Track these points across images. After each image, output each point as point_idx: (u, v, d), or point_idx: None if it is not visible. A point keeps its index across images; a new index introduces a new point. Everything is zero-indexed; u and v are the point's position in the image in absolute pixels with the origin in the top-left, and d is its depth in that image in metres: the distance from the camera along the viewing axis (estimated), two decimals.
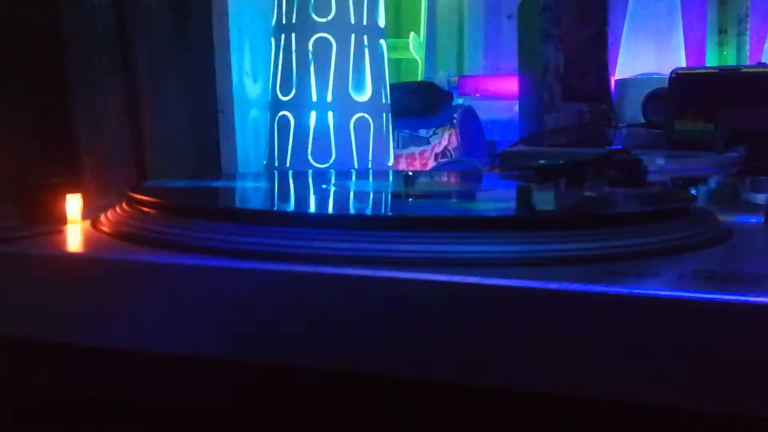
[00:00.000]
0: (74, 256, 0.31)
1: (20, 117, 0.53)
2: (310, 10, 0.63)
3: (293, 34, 0.64)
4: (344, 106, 0.64)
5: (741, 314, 0.23)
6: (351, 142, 0.64)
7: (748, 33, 0.98)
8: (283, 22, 0.65)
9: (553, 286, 0.24)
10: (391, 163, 0.71)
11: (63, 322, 0.30)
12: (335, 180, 0.52)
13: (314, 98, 0.64)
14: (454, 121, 0.89)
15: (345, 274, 0.26)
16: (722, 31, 1.00)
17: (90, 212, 0.37)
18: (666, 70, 0.72)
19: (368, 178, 0.53)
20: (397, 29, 1.16)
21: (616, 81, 0.90)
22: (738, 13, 0.98)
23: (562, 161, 0.36)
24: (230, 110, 0.71)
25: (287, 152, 0.65)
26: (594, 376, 0.24)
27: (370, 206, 0.40)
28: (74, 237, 0.34)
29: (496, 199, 0.43)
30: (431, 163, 0.89)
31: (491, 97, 1.13)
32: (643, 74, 0.91)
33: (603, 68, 0.83)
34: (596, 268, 0.26)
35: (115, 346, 0.30)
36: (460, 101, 1.03)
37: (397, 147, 0.89)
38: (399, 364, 0.26)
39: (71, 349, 0.31)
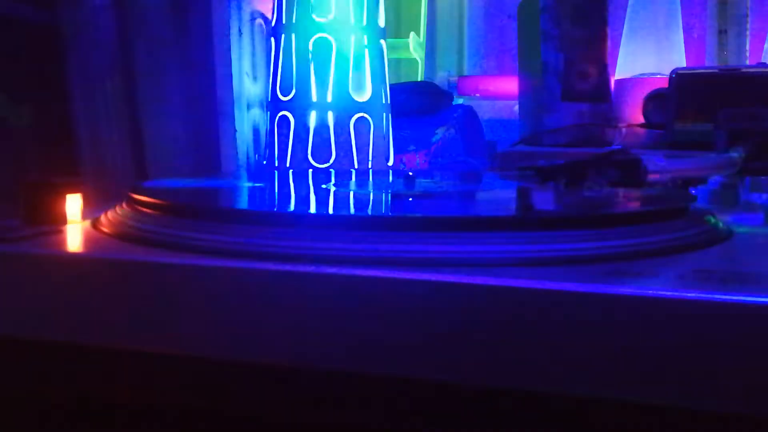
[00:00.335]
0: (74, 256, 0.31)
1: (20, 117, 0.53)
2: (310, 10, 0.63)
3: (293, 34, 0.64)
4: (344, 106, 0.64)
5: (741, 314, 0.23)
6: (351, 142, 0.64)
7: (748, 33, 0.98)
8: (283, 22, 0.65)
9: (553, 286, 0.24)
10: (391, 163, 0.71)
11: (63, 322, 0.30)
12: (335, 180, 0.52)
13: (314, 98, 0.64)
14: (454, 121, 0.89)
15: (345, 274, 0.26)
16: (722, 31, 0.99)
17: (90, 212, 0.37)
18: (666, 70, 0.72)
19: (368, 178, 0.53)
20: (397, 29, 1.16)
21: (616, 81, 0.90)
22: (738, 13, 0.98)
23: (562, 161, 0.36)
24: (230, 110, 0.71)
25: (287, 152, 0.65)
26: (594, 375, 0.24)
27: (370, 206, 0.40)
28: (74, 237, 0.34)
29: (496, 199, 0.43)
30: (431, 163, 0.89)
31: (491, 97, 1.13)
32: (643, 74, 0.91)
33: (603, 68, 0.83)
34: (596, 268, 0.26)
35: (114, 346, 0.30)
36: (460, 101, 1.03)
37: (397, 147, 0.89)
38: (399, 364, 0.26)
39: (71, 349, 0.31)
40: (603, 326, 0.24)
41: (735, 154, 0.45)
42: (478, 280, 0.25)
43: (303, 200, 0.43)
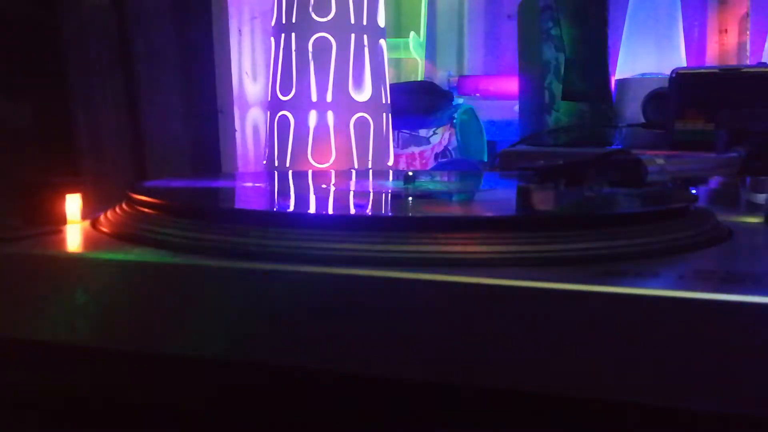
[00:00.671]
0: (74, 256, 0.31)
1: (20, 117, 0.53)
2: (310, 10, 0.63)
3: (293, 34, 0.64)
4: (344, 106, 0.64)
5: (741, 314, 0.23)
6: (351, 142, 0.64)
7: (748, 33, 0.98)
8: (283, 22, 0.65)
9: (553, 286, 0.24)
10: (391, 162, 0.71)
11: (63, 322, 0.30)
12: (335, 180, 0.52)
13: (314, 98, 0.64)
14: (454, 121, 0.89)
15: (345, 274, 0.26)
16: (722, 31, 1.00)
17: (90, 212, 0.37)
18: (666, 70, 0.72)
19: (368, 178, 0.53)
20: (397, 29, 1.16)
21: (616, 81, 0.90)
22: (738, 13, 0.98)
23: (562, 161, 0.36)
24: (230, 110, 0.71)
25: (287, 152, 0.65)
26: (594, 376, 0.24)
27: (369, 206, 0.40)
28: (74, 237, 0.34)
29: (496, 199, 0.43)
30: (431, 163, 0.89)
31: (491, 97, 1.13)
32: (643, 74, 0.91)
33: (603, 68, 0.83)
34: (596, 268, 0.26)
35: (114, 347, 0.30)
36: (460, 101, 1.03)
37: (397, 147, 0.89)
38: (399, 364, 0.26)
39: (71, 349, 0.31)
40: (603, 326, 0.24)
41: (735, 154, 0.45)
42: (478, 280, 0.25)
43: (303, 200, 0.43)
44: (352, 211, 0.37)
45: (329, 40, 0.63)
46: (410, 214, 0.35)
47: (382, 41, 0.67)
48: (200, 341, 0.28)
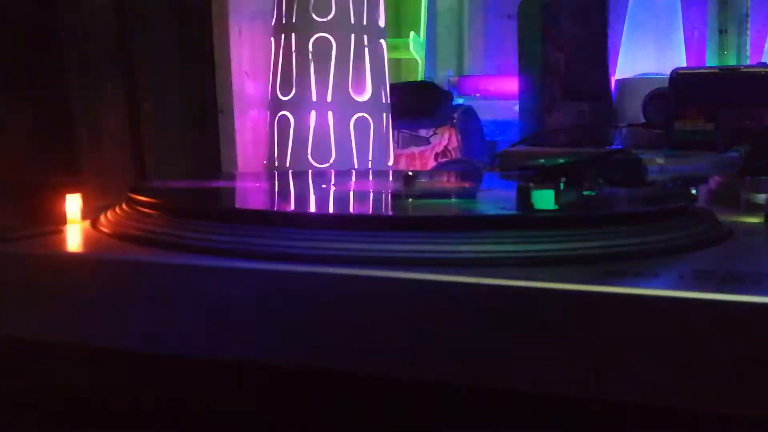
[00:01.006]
0: (74, 256, 0.31)
1: (20, 117, 0.53)
2: (310, 10, 0.63)
3: (293, 34, 0.64)
4: (344, 106, 0.64)
5: (741, 314, 0.23)
6: (351, 142, 0.64)
7: (748, 33, 0.98)
8: (283, 21, 0.65)
9: (553, 286, 0.24)
10: (391, 163, 0.71)
11: (63, 322, 0.30)
12: (335, 180, 0.52)
13: (314, 98, 0.64)
14: (454, 121, 0.89)
15: (345, 274, 0.26)
16: (722, 31, 1.00)
17: (90, 212, 0.37)
18: (666, 70, 0.72)
19: (368, 178, 0.53)
20: (397, 29, 1.16)
21: (616, 81, 0.90)
22: (738, 13, 0.98)
23: (562, 161, 0.36)
24: (230, 110, 0.71)
25: (287, 152, 0.65)
26: (594, 376, 0.24)
27: (370, 206, 0.40)
28: (74, 237, 0.34)
29: (496, 199, 0.43)
30: (431, 163, 0.89)
31: (491, 97, 1.13)
32: (643, 74, 0.91)
33: (603, 68, 0.83)
34: (596, 268, 0.26)
35: (114, 347, 0.30)
36: (460, 101, 1.03)
37: (397, 147, 0.89)
38: (398, 364, 0.26)
39: (71, 349, 0.31)
40: (603, 326, 0.24)
41: (735, 154, 0.45)
42: (478, 280, 0.25)
43: (303, 200, 0.43)
44: (352, 211, 0.37)
45: (329, 40, 0.63)
46: (410, 214, 0.35)
47: (382, 41, 0.67)
48: (200, 341, 0.28)
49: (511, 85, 1.00)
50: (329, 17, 0.63)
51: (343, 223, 0.30)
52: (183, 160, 0.68)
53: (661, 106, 0.73)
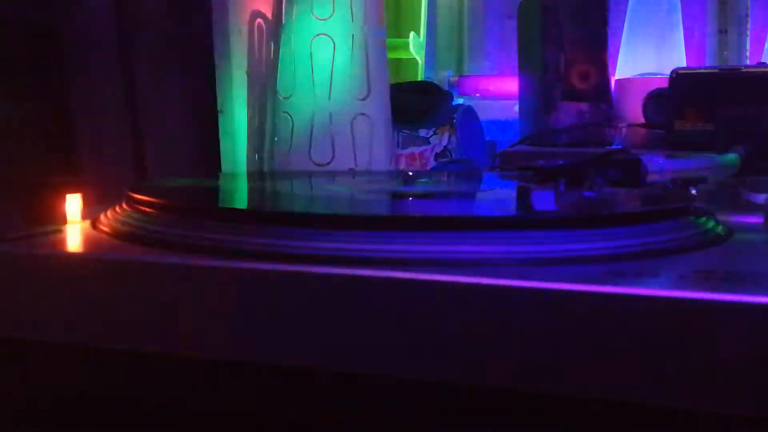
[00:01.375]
0: (74, 256, 0.31)
1: (20, 117, 0.53)
2: (310, 9, 0.63)
3: (293, 34, 0.64)
4: (344, 106, 0.64)
5: (741, 314, 0.23)
6: (351, 142, 0.64)
7: (748, 33, 0.98)
8: (283, 21, 0.65)
9: (553, 286, 0.24)
10: (391, 163, 0.71)
11: (63, 322, 0.30)
12: (335, 180, 0.52)
13: (314, 98, 0.64)
14: (454, 121, 0.89)
15: (345, 274, 0.26)
16: (722, 31, 1.00)
17: (90, 212, 0.37)
18: (666, 70, 0.72)
19: (368, 178, 0.53)
20: (397, 29, 1.16)
21: (616, 81, 0.90)
22: (738, 13, 0.98)
23: (562, 161, 0.36)
24: (230, 110, 0.71)
25: (287, 152, 0.65)
26: (594, 376, 0.24)
27: (370, 206, 0.40)
28: (74, 237, 0.34)
29: (496, 199, 0.43)
30: (431, 163, 0.89)
31: (491, 97, 1.13)
32: (643, 74, 0.91)
33: (603, 68, 0.83)
34: (596, 268, 0.26)
35: (114, 346, 0.30)
36: (460, 101, 1.03)
37: (397, 147, 0.89)
38: (399, 363, 0.26)
39: (71, 349, 0.31)
40: (603, 326, 0.24)
41: (735, 154, 0.45)
42: (478, 280, 0.25)
43: (302, 200, 0.43)
44: (352, 211, 0.37)
45: (329, 40, 0.63)
46: (410, 215, 0.35)
47: (382, 41, 0.67)
48: (200, 341, 0.28)
49: (511, 85, 1.00)
50: (329, 17, 0.63)
51: (342, 223, 0.30)
52: (183, 160, 0.68)
53: (661, 106, 0.73)
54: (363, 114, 0.65)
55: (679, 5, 0.96)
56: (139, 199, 0.35)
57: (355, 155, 0.64)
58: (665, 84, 0.68)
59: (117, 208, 0.36)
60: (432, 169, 0.84)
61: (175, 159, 0.67)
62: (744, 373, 0.23)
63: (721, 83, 0.64)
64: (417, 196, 0.41)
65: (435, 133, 0.88)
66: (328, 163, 0.64)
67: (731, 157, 0.44)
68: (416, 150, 0.89)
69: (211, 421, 0.30)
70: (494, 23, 1.22)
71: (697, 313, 0.23)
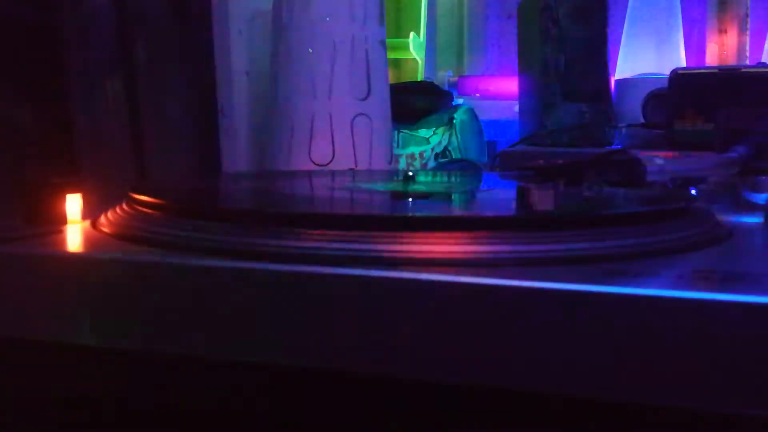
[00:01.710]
0: (74, 256, 0.31)
1: (20, 117, 0.53)
2: (310, 10, 0.63)
3: (293, 34, 0.64)
4: (344, 106, 0.64)
5: (741, 314, 0.23)
6: (351, 142, 0.64)
7: (748, 33, 0.98)
8: (283, 22, 0.65)
9: (553, 286, 0.24)
10: (391, 163, 0.71)
11: (63, 322, 0.30)
12: (335, 180, 0.52)
13: (314, 98, 0.64)
14: (454, 121, 0.89)
15: (345, 274, 0.26)
16: (722, 31, 1.00)
17: (90, 212, 0.37)
18: (666, 70, 0.72)
19: (368, 178, 0.53)
20: (397, 29, 1.16)
21: (616, 81, 0.90)
22: (738, 13, 0.98)
23: (562, 161, 0.36)
24: (230, 110, 0.71)
25: (288, 152, 0.65)
26: (594, 376, 0.24)
27: (370, 206, 0.40)
28: (74, 237, 0.34)
29: (496, 199, 0.43)
30: (431, 163, 0.89)
31: (491, 97, 1.13)
32: (643, 74, 0.91)
33: (603, 68, 0.83)
34: (596, 268, 0.26)
35: (114, 346, 0.30)
36: (460, 101, 1.03)
37: (397, 147, 0.89)
38: (399, 364, 0.26)
39: (71, 349, 0.31)
40: (602, 326, 0.24)
41: (735, 154, 0.45)
42: (478, 280, 0.25)
43: (302, 200, 0.43)
44: (352, 211, 0.37)
45: (329, 40, 0.63)
46: (409, 214, 0.35)
47: (382, 41, 0.67)
48: (200, 341, 0.28)
49: (511, 85, 1.00)
50: (329, 17, 0.63)
51: (342, 223, 0.30)
52: (183, 160, 0.68)
53: (660, 106, 0.73)
54: (363, 114, 0.65)
55: (679, 5, 0.97)
56: (140, 199, 0.35)
57: (355, 155, 0.64)
58: (665, 84, 0.68)
59: (117, 208, 0.36)
60: (432, 169, 0.84)
61: (176, 159, 0.67)
62: (744, 373, 0.23)
63: (720, 83, 0.64)
64: (416, 196, 0.41)
65: (435, 133, 0.88)
66: (328, 163, 0.64)
67: (731, 156, 0.44)
68: (416, 150, 0.89)
69: (211, 421, 0.30)
70: (494, 23, 1.22)
71: (696, 312, 0.23)
